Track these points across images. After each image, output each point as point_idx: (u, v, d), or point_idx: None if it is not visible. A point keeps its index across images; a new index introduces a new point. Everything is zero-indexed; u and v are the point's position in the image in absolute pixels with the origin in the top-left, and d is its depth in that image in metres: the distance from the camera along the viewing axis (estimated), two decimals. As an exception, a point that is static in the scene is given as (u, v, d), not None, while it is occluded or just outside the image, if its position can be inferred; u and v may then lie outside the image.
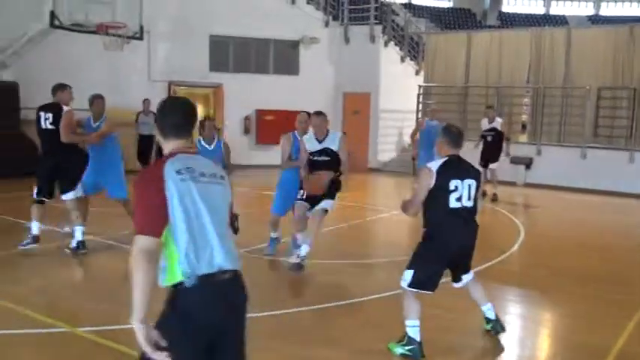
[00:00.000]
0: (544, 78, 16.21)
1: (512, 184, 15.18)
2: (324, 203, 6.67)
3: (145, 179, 2.65)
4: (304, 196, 6.72)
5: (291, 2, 17.68)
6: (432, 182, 4.45)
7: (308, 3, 18.23)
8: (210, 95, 17.93)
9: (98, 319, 4.98)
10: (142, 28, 12.74)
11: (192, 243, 2.55)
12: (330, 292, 6.12)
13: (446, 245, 4.56)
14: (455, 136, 4.66)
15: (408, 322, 4.57)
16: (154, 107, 14.86)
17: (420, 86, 17.74)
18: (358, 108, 18.28)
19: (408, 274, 4.56)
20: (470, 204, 4.54)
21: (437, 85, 17.76)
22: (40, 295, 5.67)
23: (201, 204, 2.61)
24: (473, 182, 4.54)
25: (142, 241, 2.50)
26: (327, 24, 18.41)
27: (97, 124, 7.87)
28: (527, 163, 15.34)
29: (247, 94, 16.82)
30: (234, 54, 17.51)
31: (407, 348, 4.52)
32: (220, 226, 2.68)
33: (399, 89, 17.93)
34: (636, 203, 12.99)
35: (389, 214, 10.99)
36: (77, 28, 11.65)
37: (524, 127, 17.04)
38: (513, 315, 5.73)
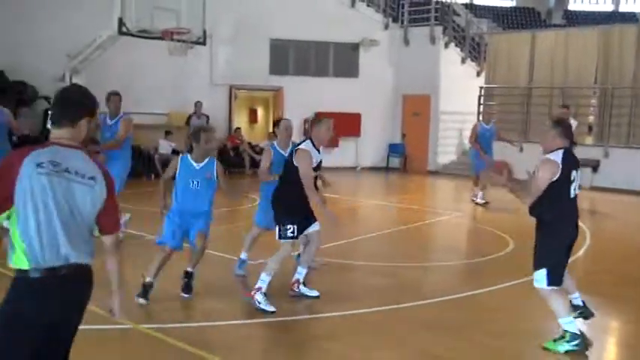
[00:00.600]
0: (612, 78, 15.65)
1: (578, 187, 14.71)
2: (317, 225, 5.74)
3: (2, 163, 2.69)
4: (295, 232, 5.51)
5: (351, 5, 17.73)
6: (558, 174, 4.48)
7: (368, 5, 18.25)
8: (270, 98, 18.20)
9: (161, 316, 5.15)
10: (204, 33, 13.04)
11: (38, 236, 2.59)
12: (387, 294, 6.10)
13: (570, 235, 4.67)
14: (568, 128, 4.75)
15: (562, 321, 4.61)
16: (206, 110, 15.19)
17: (481, 88, 17.45)
18: (418, 110, 18.14)
19: (542, 275, 4.59)
20: (579, 192, 4.69)
21: (499, 86, 17.42)
22: (104, 291, 5.89)
23: (53, 199, 2.60)
24: (579, 171, 4.69)
25: None
26: (386, 26, 18.37)
27: (114, 121, 7.76)
28: (594, 166, 14.83)
29: (307, 96, 16.96)
30: (295, 57, 17.69)
31: (572, 344, 4.57)
32: (73, 225, 2.67)
33: (459, 91, 17.67)
34: None
35: (448, 217, 10.87)
36: (143, 34, 12.02)
37: (590, 128, 16.47)
38: (578, 321, 5.56)
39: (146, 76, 14.90)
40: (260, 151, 16.58)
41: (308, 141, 5.57)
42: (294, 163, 5.45)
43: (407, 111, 18.49)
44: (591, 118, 16.48)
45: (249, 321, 5.17)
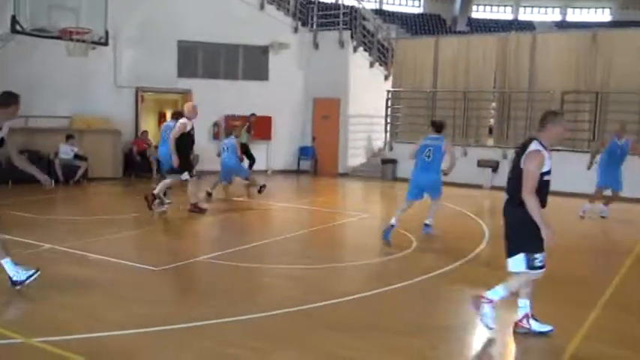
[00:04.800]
0: (510, 82, 16.47)
1: (479, 187, 15.37)
2: None
3: None
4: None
5: (260, 8, 17.69)
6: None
7: (277, 9, 18.25)
8: (179, 101, 17.83)
9: (55, 329, 4.91)
10: (107, 33, 12.62)
11: None
12: (292, 296, 6.10)
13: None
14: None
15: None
16: (111, 113, 14.59)
17: (388, 91, 17.87)
18: (328, 113, 18.34)
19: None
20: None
21: (405, 89, 17.91)
22: (-4, 304, 5.56)
23: None
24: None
25: None
26: (296, 29, 18.46)
27: None
28: (494, 167, 15.54)
29: (216, 99, 16.76)
30: (203, 60, 17.44)
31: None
32: None
33: (368, 94, 18.04)
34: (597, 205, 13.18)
35: (356, 218, 11.03)
36: (40, 33, 11.47)
37: (490, 131, 17.26)
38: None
39: (45, 77, 14.23)
40: (168, 155, 16.21)
41: (536, 141, 4.90)
42: (521, 165, 4.86)
43: (317, 114, 18.64)
44: (491, 121, 17.26)
45: (151, 329, 5.02)
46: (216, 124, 17.31)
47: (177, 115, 11.36)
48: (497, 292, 5.06)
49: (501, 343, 5.20)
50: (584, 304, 5.95)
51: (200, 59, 17.37)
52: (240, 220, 10.78)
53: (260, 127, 17.03)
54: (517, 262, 4.94)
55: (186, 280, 6.80)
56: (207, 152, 15.38)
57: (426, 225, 9.21)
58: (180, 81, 16.81)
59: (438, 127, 9.12)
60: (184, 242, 8.92)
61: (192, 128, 10.36)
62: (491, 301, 5.04)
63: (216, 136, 17.23)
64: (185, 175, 10.30)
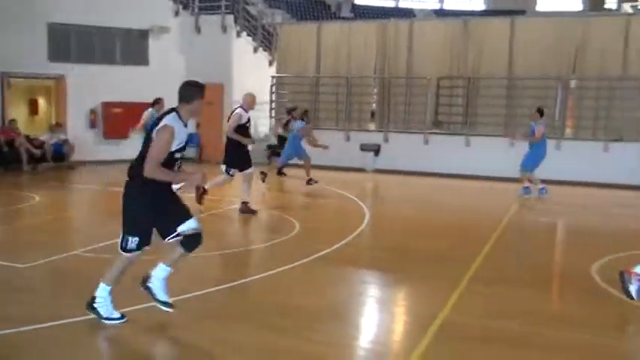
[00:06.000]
0: (389, 69, 16.97)
1: (362, 170, 15.76)
2: None
3: None
4: None
5: (138, -11, 17.02)
6: None
7: (157, -9, 17.64)
8: (52, 87, 16.85)
9: None
10: (-37, 13, 11.65)
11: None
12: (173, 286, 5.96)
13: None
14: None
15: None
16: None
17: (272, 77, 17.85)
18: (211, 99, 17.94)
19: None
20: None
21: (289, 75, 17.97)
22: None
23: None
24: None
25: None
26: (177, 13, 17.95)
27: None
28: (376, 150, 16.00)
29: (93, 85, 15.98)
30: (77, 43, 16.53)
31: None
32: None
33: (252, 80, 17.88)
34: (470, 184, 13.97)
35: (239, 204, 10.94)
36: None
37: (373, 115, 17.73)
38: (358, 295, 5.94)
39: None
40: (40, 145, 15.22)
41: None
42: None
43: (201, 100, 18.27)
44: (373, 106, 17.73)
45: (22, 329, 4.72)
46: (93, 112, 16.52)
47: (155, 102, 12.02)
48: None
49: (385, 317, 5.39)
50: (451, 279, 6.27)
51: (73, 43, 16.45)
52: (117, 211, 10.37)
53: (141, 114, 16.41)
54: None
55: (58, 275, 6.47)
56: (83, 141, 14.68)
57: (542, 189, 11.84)
58: (52, 66, 15.85)
59: (543, 112, 11.77)
60: (55, 236, 8.46)
61: (249, 121, 10.04)
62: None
63: (93, 124, 16.45)
64: (233, 172, 10.09)
